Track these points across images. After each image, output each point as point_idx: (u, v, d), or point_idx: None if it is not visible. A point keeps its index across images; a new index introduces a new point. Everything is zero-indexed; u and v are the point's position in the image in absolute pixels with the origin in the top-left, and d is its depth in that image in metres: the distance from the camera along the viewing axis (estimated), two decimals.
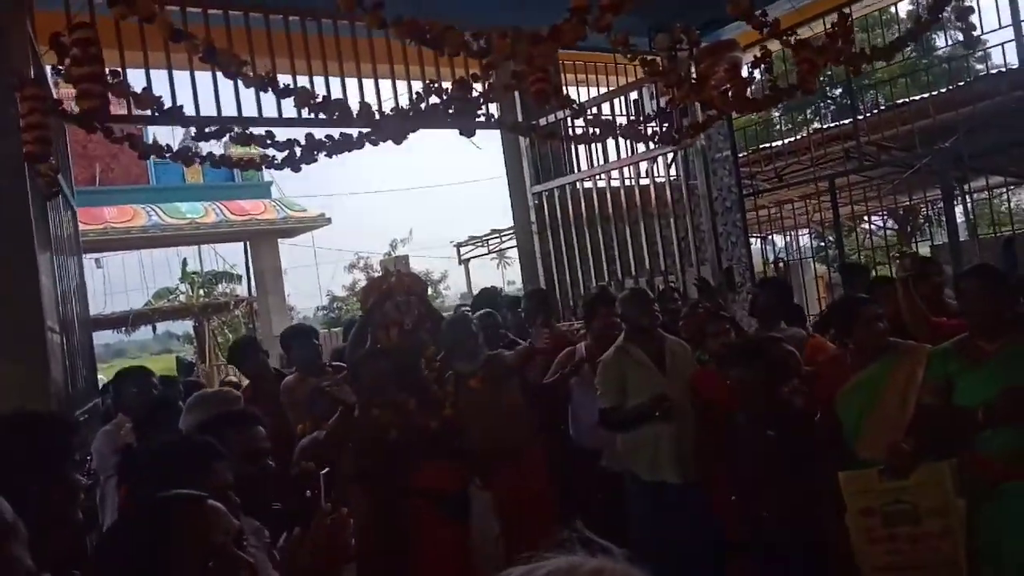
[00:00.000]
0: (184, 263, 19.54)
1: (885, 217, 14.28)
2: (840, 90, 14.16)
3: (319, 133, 4.27)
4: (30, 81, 3.09)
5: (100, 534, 2.34)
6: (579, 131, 6.53)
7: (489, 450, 3.73)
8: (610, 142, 6.73)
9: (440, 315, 4.26)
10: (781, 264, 8.66)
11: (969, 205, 10.84)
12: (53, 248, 4.48)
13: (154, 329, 18.48)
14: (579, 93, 8.26)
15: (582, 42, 4.65)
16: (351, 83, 5.43)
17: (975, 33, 4.96)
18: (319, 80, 5.05)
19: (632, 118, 6.45)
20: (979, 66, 11.58)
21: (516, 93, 7.06)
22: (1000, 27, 6.25)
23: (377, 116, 3.87)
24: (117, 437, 3.72)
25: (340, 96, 3.84)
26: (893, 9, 12.14)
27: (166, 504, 1.26)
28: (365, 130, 4.36)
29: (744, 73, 5.52)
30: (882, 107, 9.29)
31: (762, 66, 5.42)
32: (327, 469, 1.49)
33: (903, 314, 3.46)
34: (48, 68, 4.31)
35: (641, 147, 6.54)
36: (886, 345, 3.22)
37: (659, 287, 6.39)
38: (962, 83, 7.81)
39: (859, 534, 2.92)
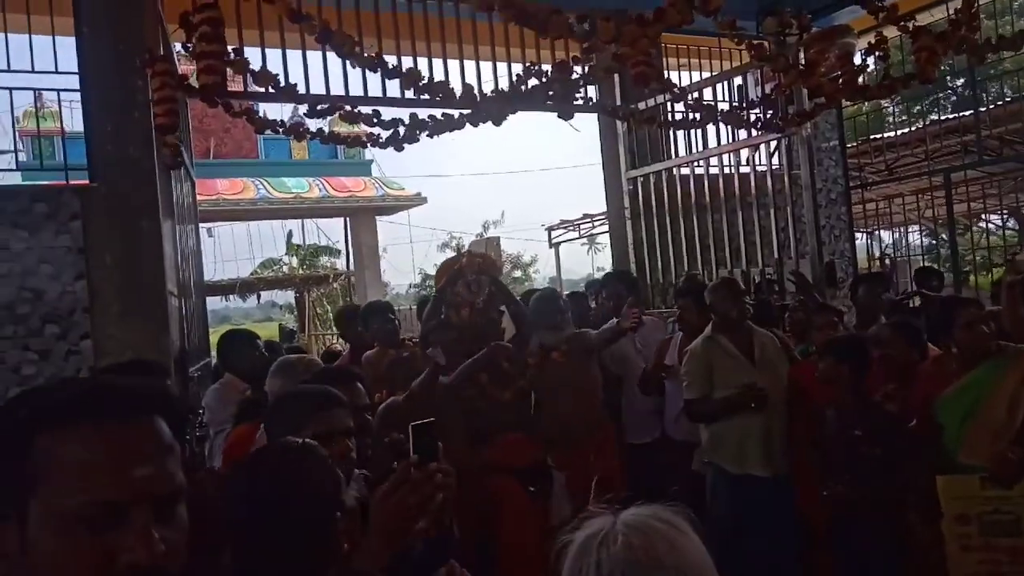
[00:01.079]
0: (290, 235, 20.39)
1: (1005, 216, 13.38)
2: (961, 80, 13.34)
3: (422, 113, 4.38)
4: (160, 57, 3.31)
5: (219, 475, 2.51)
6: (679, 116, 6.43)
7: (564, 427, 3.78)
8: (710, 129, 6.61)
9: (512, 295, 4.33)
10: (888, 260, 8.27)
11: None
12: (175, 216, 4.80)
13: (258, 298, 19.41)
14: (680, 77, 8.12)
15: (689, 24, 4.58)
16: (453, 65, 5.56)
17: None
18: (423, 62, 5.18)
19: (735, 104, 6.29)
20: None
21: (616, 77, 7.03)
22: None
23: (478, 98, 3.94)
24: (226, 394, 3.97)
25: (443, 77, 3.92)
26: None
27: (299, 448, 1.37)
28: (466, 112, 4.45)
29: (857, 60, 5.30)
30: (1008, 99, 8.69)
31: (877, 54, 5.19)
32: (417, 422, 1.51)
33: (1004, 319, 3.29)
34: (175, 45, 4.60)
35: (743, 134, 6.38)
36: (992, 349, 3.07)
37: (755, 279, 6.25)
38: None
39: (954, 541, 2.82)
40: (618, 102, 7.14)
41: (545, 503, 3.72)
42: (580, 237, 16.75)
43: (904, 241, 11.91)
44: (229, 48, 3.53)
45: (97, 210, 4.27)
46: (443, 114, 4.15)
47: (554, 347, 3.92)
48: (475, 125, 3.95)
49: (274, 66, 4.62)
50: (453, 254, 4.30)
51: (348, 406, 1.97)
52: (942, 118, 9.43)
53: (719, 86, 6.88)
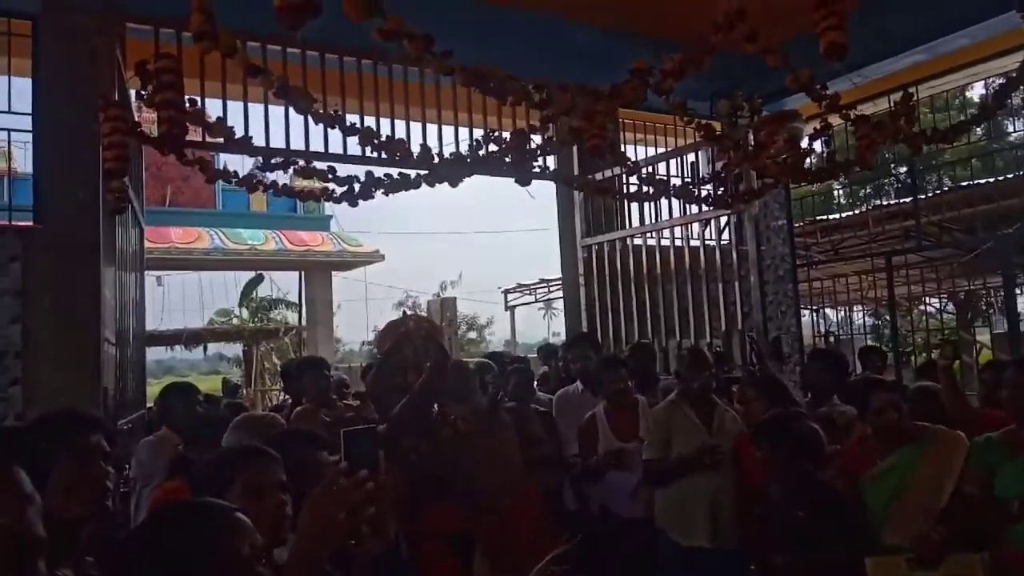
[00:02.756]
0: (251, 283, 20.02)
1: (944, 300, 13.89)
2: (904, 168, 14.00)
3: (379, 172, 4.41)
4: (114, 102, 3.29)
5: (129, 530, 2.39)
6: (633, 188, 6.59)
7: (480, 494, 3.68)
8: (663, 202, 6.79)
9: (455, 361, 4.29)
10: (832, 338, 8.48)
11: None
12: (118, 263, 4.69)
13: (205, 349, 18.94)
14: (636, 151, 8.36)
15: (642, 103, 4.73)
16: (415, 127, 5.65)
17: None
18: (385, 122, 5.26)
19: (687, 180, 6.49)
20: None
21: (574, 148, 7.22)
22: None
23: (436, 159, 3.99)
24: (159, 448, 3.82)
25: (403, 138, 3.98)
26: (969, 93, 12.03)
27: (199, 509, 1.31)
28: (423, 172, 4.49)
29: (804, 144, 5.53)
30: (946, 188, 9.13)
31: (822, 138, 5.43)
32: (351, 429, 1.47)
33: (945, 400, 3.38)
34: (132, 92, 4.58)
35: (695, 209, 6.56)
36: (912, 431, 3.11)
37: (707, 350, 6.33)
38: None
39: None
40: (575, 171, 7.31)
41: (469, 570, 3.63)
42: (536, 301, 16.87)
43: (848, 320, 12.22)
44: (187, 98, 3.54)
45: (38, 252, 4.17)
46: (400, 173, 4.18)
47: (459, 418, 3.82)
48: (431, 186, 3.99)
49: (236, 118, 4.67)
50: (396, 319, 4.23)
51: (279, 463, 1.90)
52: (885, 203, 9.84)
53: (672, 161, 7.10)
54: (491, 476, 3.67)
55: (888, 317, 12.33)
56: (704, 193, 5.79)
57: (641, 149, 8.44)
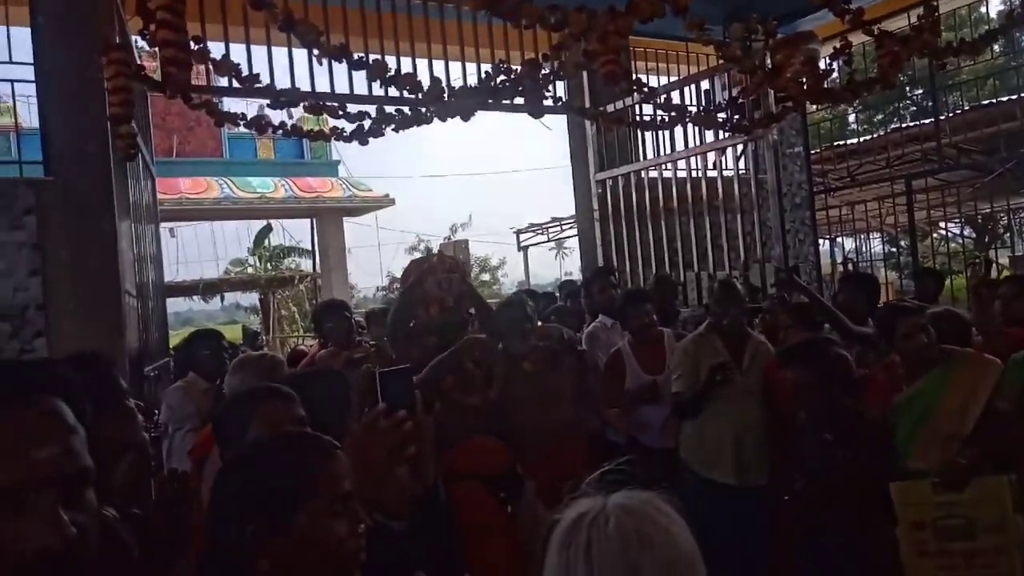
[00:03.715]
0: (261, 233, 20.07)
1: (962, 224, 13.70)
2: (921, 90, 13.63)
3: (389, 108, 4.32)
4: (116, 45, 3.21)
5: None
6: (647, 118, 6.46)
7: (533, 434, 3.69)
8: (678, 133, 6.64)
9: (481, 298, 4.27)
10: (849, 266, 8.39)
11: None
12: (132, 215, 4.67)
13: (222, 299, 19.10)
14: (649, 81, 8.16)
15: (655, 28, 4.56)
16: (422, 64, 5.51)
17: None
18: (391, 60, 5.13)
19: (703, 107, 6.33)
20: None
21: (585, 78, 7.05)
22: None
23: (446, 92, 3.89)
24: (189, 392, 3.86)
25: (410, 71, 3.87)
26: (984, 9, 11.61)
27: (302, 440, 1.31)
28: (433, 109, 4.40)
29: (822, 65, 5.37)
30: (965, 108, 8.89)
31: (841, 58, 5.27)
32: (387, 369, 1.46)
33: (974, 321, 3.33)
34: (134, 36, 4.48)
35: (710, 137, 6.43)
36: (937, 356, 3.07)
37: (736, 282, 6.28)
38: None
39: (910, 547, 2.82)
40: (587, 104, 7.15)
41: (515, 513, 3.63)
42: (548, 241, 16.77)
43: (865, 248, 12.08)
44: (190, 35, 3.44)
45: (52, 205, 4.14)
46: (411, 108, 4.09)
47: (523, 355, 3.83)
48: (443, 120, 3.91)
49: (239, 60, 4.55)
50: (420, 256, 4.18)
51: (296, 400, 1.89)
52: (903, 126, 9.60)
53: (687, 89, 6.92)
54: (545, 416, 3.69)
55: (904, 243, 12.21)
56: (721, 119, 5.65)
57: (653, 79, 8.25)
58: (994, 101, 8.45)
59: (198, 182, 14.61)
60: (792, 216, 7.80)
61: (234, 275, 19.57)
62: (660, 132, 6.77)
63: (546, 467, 3.65)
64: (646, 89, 4.92)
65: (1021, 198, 9.67)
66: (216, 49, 4.72)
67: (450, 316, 3.81)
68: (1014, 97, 8.14)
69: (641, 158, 7.16)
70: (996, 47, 11.38)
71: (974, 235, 14.27)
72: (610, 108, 6.71)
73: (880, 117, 16.55)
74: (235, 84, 4.11)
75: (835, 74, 6.19)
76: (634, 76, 7.89)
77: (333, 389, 2.29)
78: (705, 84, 7.06)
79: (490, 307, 4.21)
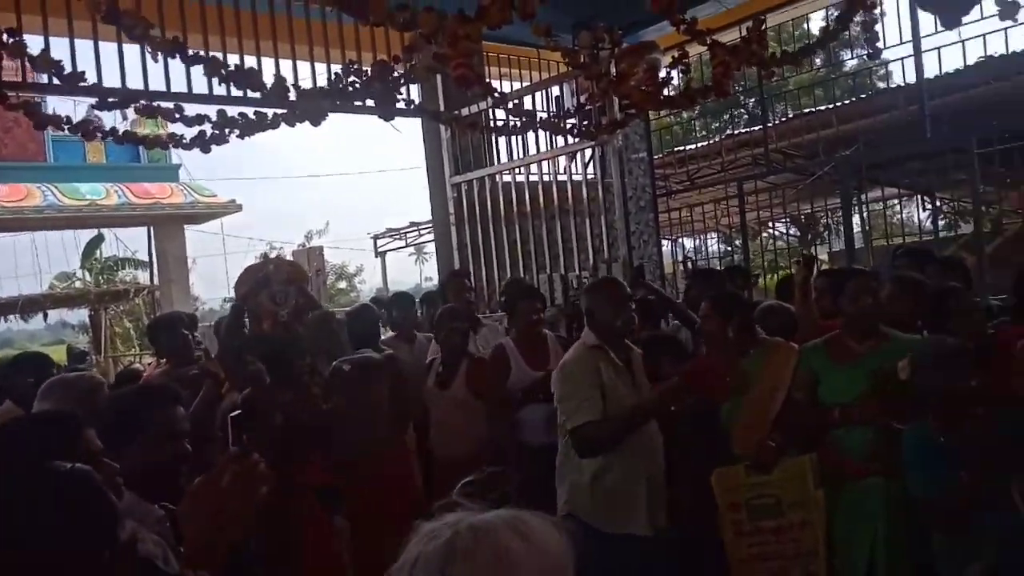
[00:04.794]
0: (92, 243, 18.46)
1: (788, 223, 14.92)
2: (753, 99, 14.72)
3: (232, 111, 4.11)
4: None
5: None
6: (500, 123, 6.54)
7: (355, 446, 3.59)
8: (530, 138, 6.78)
9: (320, 306, 4.15)
10: (689, 264, 8.89)
11: (865, 215, 11.43)
12: None
13: (45, 317, 17.40)
14: (503, 86, 8.29)
15: (507, 34, 4.62)
16: (269, 63, 5.29)
17: (878, 45, 5.21)
18: (234, 58, 4.87)
19: (553, 113, 6.50)
20: (881, 83, 12.25)
21: (439, 82, 7.04)
22: (900, 43, 6.62)
23: (291, 92, 3.75)
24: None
25: (253, 67, 3.69)
26: (806, 26, 12.71)
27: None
28: (281, 111, 4.23)
29: (663, 74, 5.66)
30: (790, 116, 9.69)
31: (679, 67, 5.57)
32: (237, 411, 1.41)
33: (797, 315, 3.60)
34: None
35: (561, 142, 6.61)
36: (750, 343, 3.28)
37: (572, 283, 6.47)
38: (863, 96, 8.22)
39: (728, 528, 3.02)
40: (442, 107, 7.15)
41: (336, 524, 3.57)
42: (407, 246, 16.62)
43: (704, 247, 12.88)
44: (3, 28, 3.11)
45: None
46: (256, 112, 3.90)
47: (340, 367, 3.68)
48: (291, 124, 3.76)
49: (60, 56, 4.14)
50: (257, 261, 3.98)
51: (91, 426, 1.72)
52: (735, 133, 10.31)
53: (538, 95, 7.08)
54: (358, 430, 3.57)
55: (738, 242, 13.13)
56: (569, 125, 5.82)
57: (506, 84, 8.39)
58: (813, 110, 9.26)
59: (17, 189, 13.26)
60: (637, 218, 8.17)
61: (60, 290, 17.91)
62: (514, 136, 6.88)
63: (364, 485, 3.56)
64: (498, 94, 4.97)
65: (837, 199, 10.66)
66: (35, 44, 4.29)
67: (283, 331, 3.64)
68: (831, 106, 8.96)
69: (496, 162, 7.25)
70: (818, 60, 12.56)
71: (798, 234, 15.56)
72: (465, 112, 6.75)
73: (718, 124, 17.74)
74: (56, 82, 3.76)
75: (675, 82, 6.56)
76: (487, 81, 8.04)
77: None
78: (555, 90, 7.25)
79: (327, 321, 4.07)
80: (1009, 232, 7.35)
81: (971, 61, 6.86)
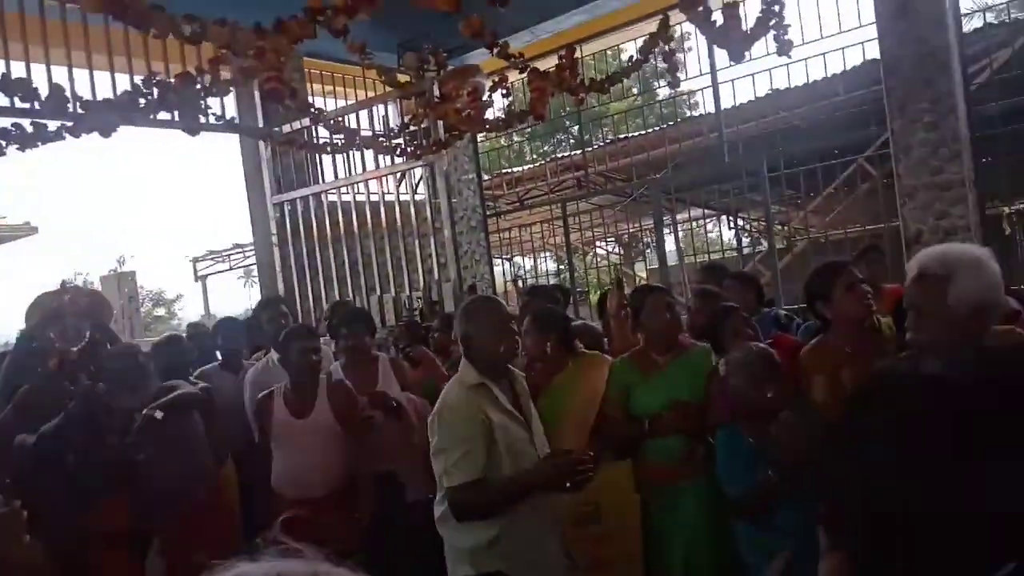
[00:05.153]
0: None
1: (613, 242, 15.72)
2: (579, 125, 15.41)
3: (3, 123, 3.69)
4: None
5: None
6: (324, 141, 6.38)
7: (165, 488, 3.35)
8: (360, 156, 6.65)
9: (118, 339, 3.81)
10: (520, 283, 9.14)
11: (681, 233, 12.21)
12: None
13: None
14: (325, 104, 8.11)
15: (331, 51, 4.47)
16: (60, 72, 4.84)
17: (678, 76, 5.60)
18: (18, 66, 4.41)
19: (378, 132, 6.43)
20: (690, 112, 13.22)
21: (257, 97, 6.76)
22: (701, 74, 7.17)
23: (70, 102, 3.43)
24: None
25: (23, 76, 3.34)
26: (624, 56, 13.51)
27: None
28: (68, 123, 3.85)
29: (486, 97, 5.77)
30: (607, 141, 10.22)
31: (500, 91, 5.69)
32: None
33: (613, 331, 3.75)
34: None
35: (389, 162, 6.54)
36: (568, 356, 3.34)
37: (406, 303, 6.40)
38: (671, 123, 8.82)
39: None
40: (261, 123, 6.86)
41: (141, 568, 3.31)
42: (231, 269, 15.77)
43: (536, 266, 13.26)
44: None
45: None
46: (33, 123, 3.53)
47: (143, 408, 3.39)
48: (76, 136, 3.42)
49: None
50: (51, 290, 3.58)
51: None
52: (560, 156, 10.73)
53: (363, 114, 6.98)
54: (170, 469, 3.31)
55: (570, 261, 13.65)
56: (394, 144, 5.77)
57: (333, 102, 8.22)
58: (629, 135, 9.82)
59: None
60: (468, 238, 8.26)
61: None
62: (341, 155, 6.72)
63: (179, 526, 3.34)
64: (314, 111, 4.84)
65: (649, 219, 11.37)
66: None
67: (72, 369, 3.30)
68: (644, 132, 9.54)
69: (321, 180, 7.05)
70: (635, 89, 13.35)
71: (622, 252, 16.42)
72: (287, 129, 6.52)
73: (545, 148, 18.38)
74: None
75: (497, 105, 6.72)
76: (307, 97, 7.83)
77: None
78: (382, 109, 7.19)
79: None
80: (798, 248, 8.13)
81: (761, 93, 7.55)
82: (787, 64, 6.49)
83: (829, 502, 0.61)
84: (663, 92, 13.96)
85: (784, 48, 4.46)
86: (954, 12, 5.35)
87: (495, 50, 3.95)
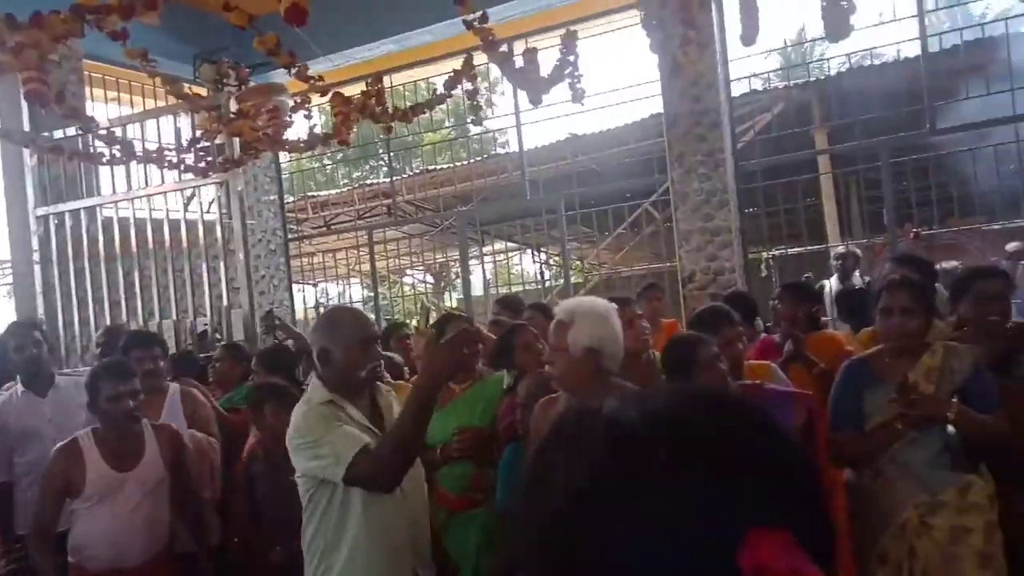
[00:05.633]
0: None
1: (424, 271, 15.74)
2: (393, 152, 15.37)
3: None
4: None
5: None
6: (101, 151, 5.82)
7: None
8: (145, 170, 6.12)
9: None
10: (322, 310, 8.86)
11: (490, 265, 12.52)
12: None
13: None
14: (108, 111, 7.44)
15: (115, 56, 4.07)
16: None
17: (480, 114, 5.75)
18: None
19: (164, 145, 5.97)
20: (502, 149, 13.64)
21: (22, 99, 6.06)
22: (507, 114, 7.42)
23: None
24: None
25: None
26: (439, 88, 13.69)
27: None
28: None
29: (289, 117, 5.57)
30: (416, 172, 10.29)
31: (303, 112, 5.53)
32: None
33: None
34: None
35: (177, 177, 6.08)
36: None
37: (190, 329, 5.94)
38: (479, 159, 9.04)
39: None
40: (27, 128, 6.15)
41: None
42: None
43: (347, 293, 12.96)
44: None
45: None
46: None
47: None
48: None
49: None
50: None
51: None
52: (370, 182, 10.61)
53: (150, 125, 6.45)
54: None
55: (381, 289, 13.46)
56: (178, 159, 5.38)
57: (118, 109, 7.56)
58: (439, 167, 9.93)
59: None
60: (267, 262, 7.89)
61: None
62: (127, 167, 6.15)
63: None
64: (87, 117, 4.41)
65: (460, 250, 11.56)
66: None
67: None
68: (453, 165, 9.69)
69: (97, 193, 6.40)
70: (448, 121, 13.54)
71: (433, 281, 16.49)
72: (59, 135, 5.88)
73: (358, 173, 18.12)
74: None
75: (304, 126, 6.51)
76: (89, 103, 7.15)
77: None
78: (169, 121, 6.70)
79: None
80: (592, 283, 8.59)
81: (562, 137, 7.97)
82: (584, 112, 6.89)
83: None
84: (475, 128, 14.44)
85: (578, 96, 4.72)
86: (724, 77, 5.96)
87: (292, 70, 3.81)
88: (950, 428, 2.47)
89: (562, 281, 10.38)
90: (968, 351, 2.56)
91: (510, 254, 12.67)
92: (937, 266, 5.79)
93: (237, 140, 5.76)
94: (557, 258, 12.22)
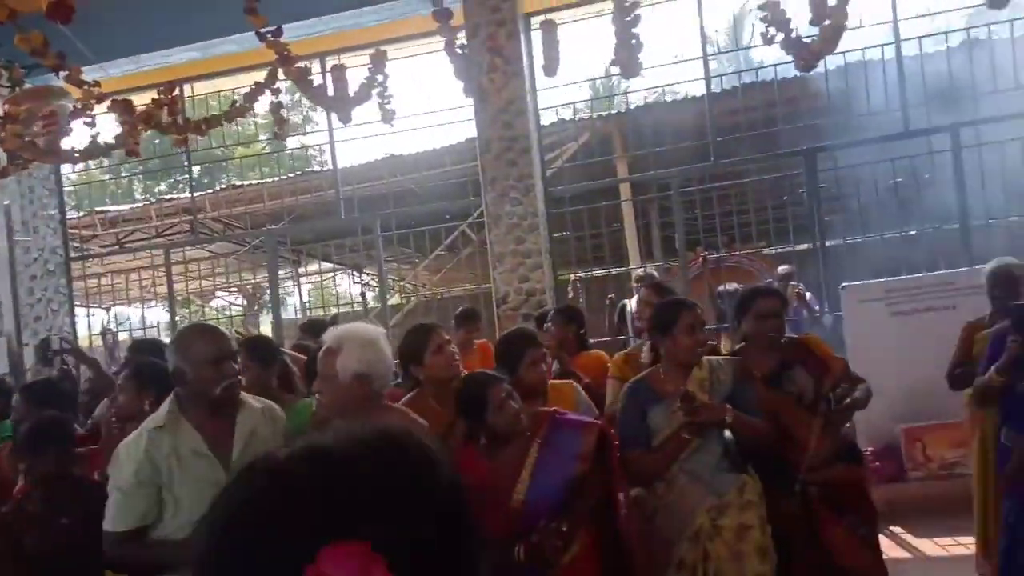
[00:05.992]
0: None
1: (235, 293, 14.86)
2: (199, 166, 14.43)
3: None
4: None
5: None
6: None
7: None
8: None
9: None
10: (110, 336, 8.04)
11: (311, 286, 12.07)
12: None
13: None
14: None
15: None
16: None
17: (286, 129, 5.55)
18: None
19: None
20: (319, 167, 13.22)
21: None
22: (322, 130, 7.21)
23: None
24: None
25: None
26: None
27: None
28: None
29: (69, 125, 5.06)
30: (221, 187, 9.74)
31: (85, 119, 5.06)
32: None
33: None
34: None
35: None
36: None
37: None
38: (292, 175, 8.70)
39: None
40: None
41: None
42: None
43: (143, 317, 11.94)
44: None
45: None
46: None
47: None
48: None
49: None
50: None
51: None
52: (169, 197, 9.89)
53: None
54: None
55: (185, 311, 12.50)
56: None
57: None
58: (247, 183, 9.45)
59: None
60: (44, 283, 7.09)
61: None
62: None
63: None
64: None
65: (279, 270, 11.02)
66: None
67: None
68: (263, 181, 9.26)
69: None
70: (263, 136, 12.90)
71: (245, 303, 15.60)
72: None
73: (161, 187, 16.86)
74: None
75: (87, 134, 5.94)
76: None
77: None
78: None
79: None
80: (409, 305, 8.53)
81: (379, 156, 7.87)
82: (399, 132, 6.87)
83: None
84: (292, 143, 13.89)
85: (387, 116, 4.68)
86: (533, 105, 6.17)
87: (62, 74, 3.46)
88: (727, 433, 2.69)
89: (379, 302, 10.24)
90: (728, 363, 2.81)
91: (329, 276, 12.30)
92: (720, 287, 6.32)
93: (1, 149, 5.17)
94: (375, 279, 12.04)
